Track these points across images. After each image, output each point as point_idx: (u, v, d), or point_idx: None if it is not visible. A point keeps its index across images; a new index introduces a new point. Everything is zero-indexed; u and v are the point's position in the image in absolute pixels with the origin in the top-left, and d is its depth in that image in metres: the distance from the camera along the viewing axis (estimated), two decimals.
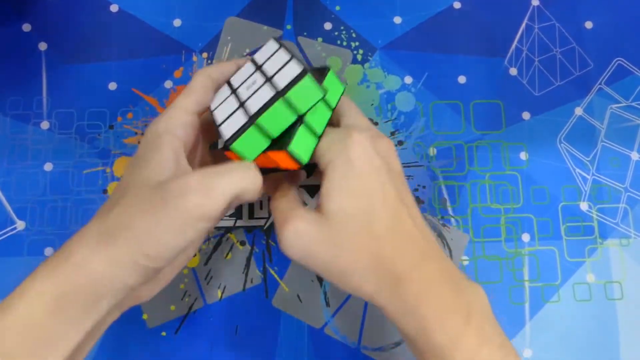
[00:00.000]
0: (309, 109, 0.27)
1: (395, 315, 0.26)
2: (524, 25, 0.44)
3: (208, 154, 0.32)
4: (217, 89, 0.30)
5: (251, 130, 0.26)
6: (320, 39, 0.44)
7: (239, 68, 0.31)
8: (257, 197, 0.27)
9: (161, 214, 0.24)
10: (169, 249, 0.25)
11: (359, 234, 0.26)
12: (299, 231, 0.26)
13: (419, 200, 0.40)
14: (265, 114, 0.26)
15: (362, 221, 0.26)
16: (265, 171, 0.28)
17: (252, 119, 0.26)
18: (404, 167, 0.41)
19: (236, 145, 0.27)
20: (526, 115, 0.42)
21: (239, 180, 0.25)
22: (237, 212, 0.39)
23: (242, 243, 0.39)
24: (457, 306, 0.26)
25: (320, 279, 0.39)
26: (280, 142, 0.27)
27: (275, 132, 0.27)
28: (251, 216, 0.39)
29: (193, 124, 0.29)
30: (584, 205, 0.41)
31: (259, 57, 0.30)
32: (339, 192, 0.26)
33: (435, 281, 0.26)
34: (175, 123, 0.28)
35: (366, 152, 0.27)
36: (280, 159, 0.27)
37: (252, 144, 0.27)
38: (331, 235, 0.26)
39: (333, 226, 0.26)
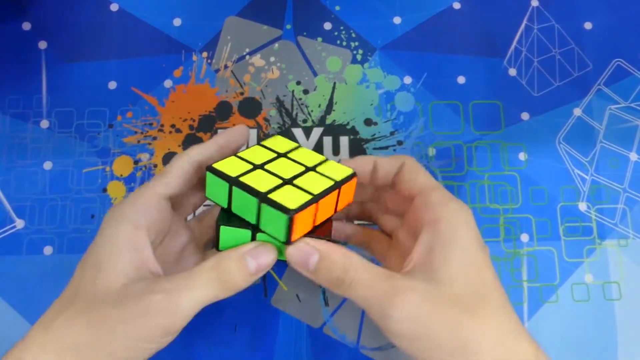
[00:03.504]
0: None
1: None
2: (523, 25, 0.45)
3: (189, 229, 0.31)
4: (198, 170, 0.28)
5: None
6: (320, 39, 0.44)
7: (219, 147, 0.29)
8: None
9: (118, 333, 0.23)
10: None
11: (480, 306, 0.24)
12: (409, 307, 0.23)
13: None
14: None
15: (482, 294, 0.24)
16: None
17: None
18: None
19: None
20: (525, 116, 0.42)
21: (208, 291, 0.24)
22: None
23: None
24: None
25: None
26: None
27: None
28: None
29: (160, 207, 0.26)
30: (582, 206, 0.41)
31: None
32: (459, 259, 0.24)
33: None
34: (137, 209, 0.26)
35: (475, 223, 0.26)
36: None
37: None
38: (449, 308, 0.23)
39: (450, 297, 0.24)
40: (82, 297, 0.24)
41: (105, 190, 0.40)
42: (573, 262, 0.39)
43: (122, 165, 0.40)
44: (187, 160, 0.27)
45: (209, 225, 0.32)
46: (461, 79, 0.43)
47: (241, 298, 0.38)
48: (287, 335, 0.37)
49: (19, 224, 0.39)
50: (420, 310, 0.23)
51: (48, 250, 0.38)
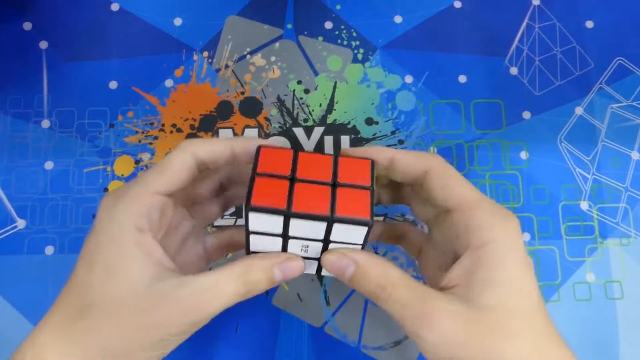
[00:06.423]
0: None
1: None
2: (524, 24, 0.44)
3: (194, 226, 0.30)
4: (202, 170, 0.27)
5: None
6: (320, 38, 0.44)
7: (232, 151, 0.26)
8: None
9: (150, 336, 0.23)
10: (158, 359, 0.24)
11: (521, 333, 0.23)
12: (445, 331, 0.22)
13: None
14: None
15: (524, 320, 0.23)
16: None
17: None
18: None
19: None
20: (526, 115, 0.42)
21: (234, 298, 0.24)
22: (238, 211, 0.39)
23: None
24: None
25: (320, 278, 0.39)
26: None
27: None
28: None
29: (163, 206, 0.25)
30: (584, 205, 0.41)
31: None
32: (503, 285, 0.23)
33: None
34: (138, 211, 0.24)
35: (523, 242, 0.25)
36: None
37: None
38: (487, 334, 0.22)
39: (489, 323, 0.23)
40: (100, 301, 0.23)
41: (106, 190, 0.40)
42: (575, 261, 0.39)
43: (123, 165, 0.40)
44: (191, 158, 0.25)
45: (207, 213, 0.31)
46: (462, 78, 0.43)
47: None
48: (288, 335, 0.37)
49: (21, 223, 0.39)
50: (456, 335, 0.22)
51: (49, 250, 0.38)
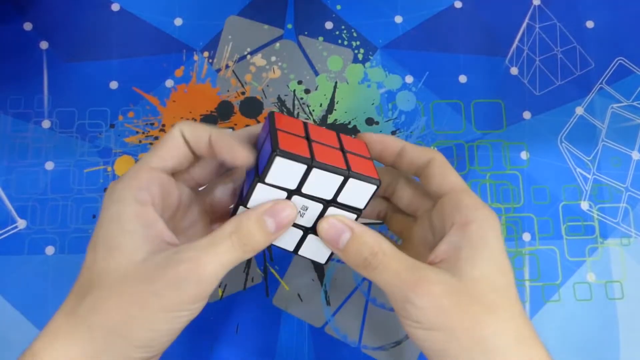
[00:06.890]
0: None
1: None
2: (525, 24, 0.44)
3: (199, 200, 0.30)
4: (193, 150, 0.27)
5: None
6: (321, 38, 0.44)
7: (210, 137, 0.26)
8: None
9: (152, 307, 0.23)
10: (165, 335, 0.24)
11: (502, 307, 0.24)
12: (436, 296, 0.24)
13: None
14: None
15: (504, 296, 0.25)
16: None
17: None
18: None
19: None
20: (527, 115, 0.42)
21: (231, 255, 0.24)
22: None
23: None
24: None
25: (321, 278, 0.39)
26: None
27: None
28: None
29: (162, 182, 0.26)
30: (584, 205, 0.41)
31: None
32: (486, 260, 0.25)
33: None
34: (137, 185, 0.25)
35: (501, 234, 0.27)
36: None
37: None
38: (470, 304, 0.24)
39: (473, 294, 0.24)
40: (102, 278, 0.23)
41: (106, 190, 0.40)
42: (575, 261, 0.39)
43: (123, 165, 0.40)
44: (179, 136, 0.26)
45: (218, 197, 0.31)
46: (463, 78, 0.43)
47: (243, 298, 0.38)
48: (289, 335, 0.37)
49: (21, 224, 0.39)
50: (442, 301, 0.24)
51: (50, 250, 0.38)
